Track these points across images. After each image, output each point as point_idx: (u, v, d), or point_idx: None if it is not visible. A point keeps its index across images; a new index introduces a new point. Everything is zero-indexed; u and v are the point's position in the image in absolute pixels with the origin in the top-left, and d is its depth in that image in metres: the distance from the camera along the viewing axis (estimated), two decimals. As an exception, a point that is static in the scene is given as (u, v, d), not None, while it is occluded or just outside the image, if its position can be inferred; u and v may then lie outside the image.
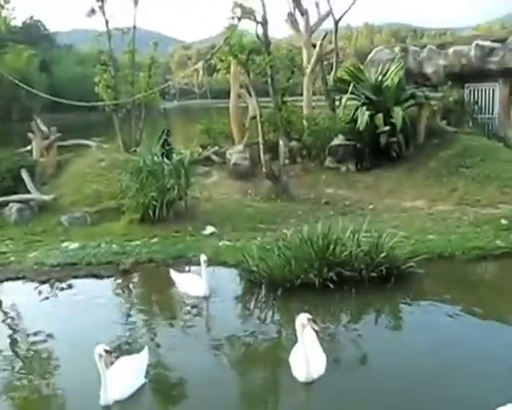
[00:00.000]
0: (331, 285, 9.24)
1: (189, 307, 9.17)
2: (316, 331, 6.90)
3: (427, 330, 8.11)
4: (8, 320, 9.17)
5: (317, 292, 9.22)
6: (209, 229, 12.85)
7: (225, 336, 8.00)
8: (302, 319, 6.78)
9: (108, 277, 10.73)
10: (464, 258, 10.89)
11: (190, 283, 9.70)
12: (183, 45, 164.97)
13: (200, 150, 18.96)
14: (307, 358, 6.65)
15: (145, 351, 7.00)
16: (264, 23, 15.19)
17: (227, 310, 9.10)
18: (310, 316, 6.81)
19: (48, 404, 6.65)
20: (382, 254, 9.74)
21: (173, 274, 10.07)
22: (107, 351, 6.25)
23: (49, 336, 8.23)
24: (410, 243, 10.90)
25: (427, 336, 7.87)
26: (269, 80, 15.53)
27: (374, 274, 9.58)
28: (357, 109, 18.14)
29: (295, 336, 6.90)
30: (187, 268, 10.76)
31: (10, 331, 8.69)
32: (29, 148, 18.19)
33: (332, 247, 9.75)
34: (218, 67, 19.18)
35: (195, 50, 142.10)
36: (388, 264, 9.69)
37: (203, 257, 9.57)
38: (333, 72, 22.01)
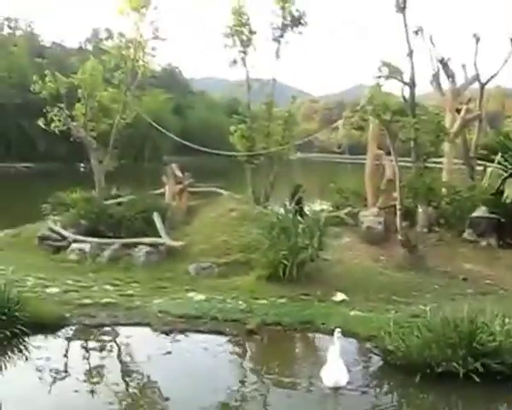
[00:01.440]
0: (476, 378, 8.29)
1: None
2: None
3: None
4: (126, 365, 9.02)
5: (460, 384, 8.28)
6: (339, 296, 12.16)
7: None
8: None
9: (233, 335, 10.26)
10: None
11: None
12: (311, 99, 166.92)
13: (331, 209, 18.43)
14: None
15: None
16: (412, 85, 14.57)
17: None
18: None
19: None
20: (538, 350, 8.69)
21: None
22: None
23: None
24: None
25: None
26: (411, 143, 14.81)
27: (526, 370, 8.55)
28: (503, 180, 17.03)
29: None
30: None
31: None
32: (162, 190, 18.41)
33: (479, 334, 8.83)
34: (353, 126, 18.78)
35: (323, 104, 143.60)
36: (543, 361, 8.63)
37: (337, 333, 8.55)
38: (475, 137, 21.02)
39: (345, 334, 10.01)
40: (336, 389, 8.08)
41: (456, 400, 8.15)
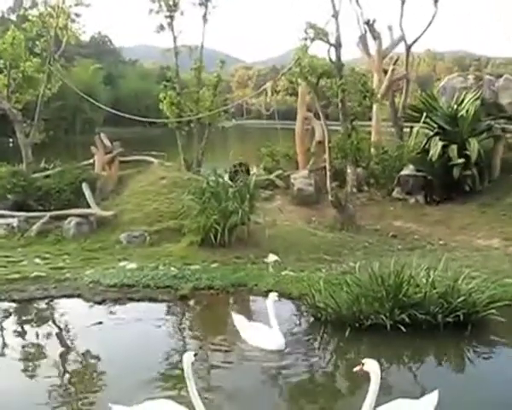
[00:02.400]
0: (403, 329, 8.55)
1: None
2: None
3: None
4: (59, 338, 8.92)
5: (388, 335, 8.53)
6: (271, 257, 12.25)
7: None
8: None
9: (166, 301, 10.26)
10: (547, 306, 10.01)
11: (261, 336, 8.45)
12: (245, 65, 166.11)
13: (263, 173, 18.51)
14: None
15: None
16: (338, 46, 14.63)
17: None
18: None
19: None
20: (460, 299, 9.01)
21: (238, 322, 8.86)
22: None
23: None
24: (488, 286, 10.07)
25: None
26: (339, 104, 14.94)
27: (450, 319, 8.84)
28: (429, 139, 17.43)
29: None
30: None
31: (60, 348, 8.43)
32: (91, 161, 18.08)
33: (405, 286, 9.08)
34: (278, 89, 18.80)
35: (256, 71, 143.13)
36: (466, 309, 8.93)
37: (272, 297, 8.53)
38: (402, 98, 21.39)
39: (277, 294, 10.35)
40: (276, 351, 8.18)
41: (385, 350, 8.35)
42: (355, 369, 6.14)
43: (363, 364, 6.03)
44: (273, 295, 8.56)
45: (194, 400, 5.75)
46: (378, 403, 5.89)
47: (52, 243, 13.79)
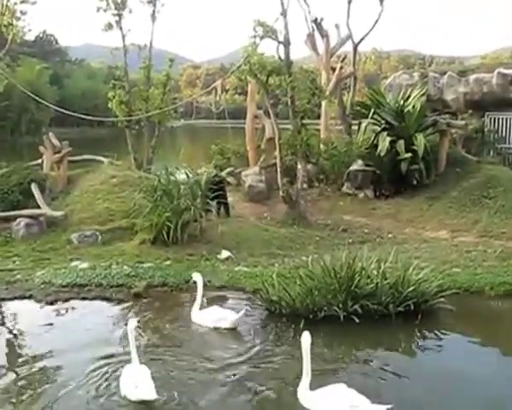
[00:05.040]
0: (356, 319, 8.74)
1: (199, 337, 8.67)
2: None
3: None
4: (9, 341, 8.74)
5: (342, 326, 8.72)
6: (224, 253, 12.33)
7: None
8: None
9: (119, 300, 10.19)
10: (493, 294, 10.35)
11: (218, 316, 9.00)
12: (193, 64, 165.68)
13: (214, 171, 18.52)
14: None
15: None
16: (287, 44, 14.79)
17: (245, 342, 8.50)
18: None
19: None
20: (410, 288, 9.26)
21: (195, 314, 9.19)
22: None
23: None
24: (436, 276, 10.36)
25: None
26: (289, 102, 15.10)
27: (401, 309, 9.08)
28: (377, 135, 17.76)
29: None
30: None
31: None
32: (39, 161, 17.77)
33: (357, 278, 9.28)
34: (227, 88, 18.88)
35: (204, 70, 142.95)
36: (416, 298, 9.20)
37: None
38: (350, 96, 21.71)
39: (231, 289, 10.50)
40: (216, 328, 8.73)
41: (338, 340, 8.52)
42: None
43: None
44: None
45: (133, 353, 6.93)
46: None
47: (1, 244, 13.51)
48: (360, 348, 8.38)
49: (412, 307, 9.08)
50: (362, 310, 8.91)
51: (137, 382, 6.54)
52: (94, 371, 7.31)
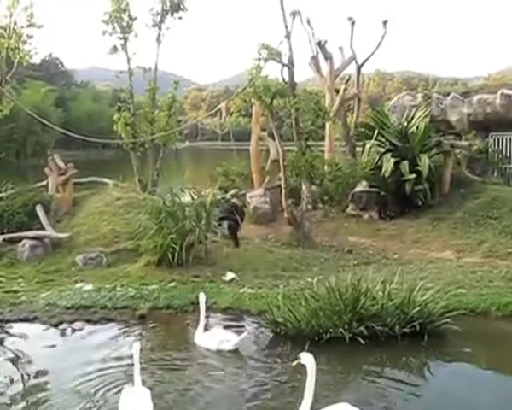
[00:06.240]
0: (362, 341, 8.70)
1: (206, 361, 8.55)
2: None
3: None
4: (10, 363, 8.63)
5: (347, 347, 8.67)
6: (229, 275, 12.34)
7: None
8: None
9: (124, 322, 10.17)
10: (500, 314, 10.30)
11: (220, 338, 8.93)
12: (198, 87, 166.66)
13: (219, 193, 18.57)
14: None
15: None
16: (291, 66, 14.90)
17: (251, 367, 8.45)
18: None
19: None
20: (416, 309, 9.22)
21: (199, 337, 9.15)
22: None
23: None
24: (442, 296, 10.33)
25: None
26: (293, 123, 15.18)
27: (406, 330, 9.04)
28: (381, 156, 17.79)
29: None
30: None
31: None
32: (44, 183, 17.83)
33: (362, 299, 9.25)
34: (231, 110, 19.00)
35: (209, 92, 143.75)
36: (422, 319, 9.16)
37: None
38: (354, 117, 21.79)
39: (237, 311, 10.46)
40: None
41: (344, 362, 8.46)
42: (293, 364, 6.63)
43: (299, 358, 6.51)
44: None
45: (136, 375, 6.92)
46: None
47: (6, 266, 13.57)
48: (364, 370, 8.33)
49: (418, 328, 9.03)
50: (367, 331, 8.86)
51: (137, 404, 6.53)
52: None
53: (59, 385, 7.63)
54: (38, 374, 8.03)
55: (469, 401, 7.28)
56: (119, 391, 7.12)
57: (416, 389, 7.64)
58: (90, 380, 7.68)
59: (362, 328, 8.87)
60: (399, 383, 7.78)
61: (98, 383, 7.61)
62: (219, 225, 13.97)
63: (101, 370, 8.06)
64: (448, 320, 9.30)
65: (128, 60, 19.72)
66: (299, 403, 6.39)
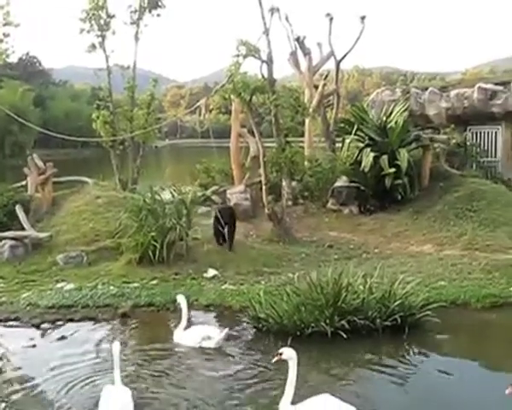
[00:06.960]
0: (343, 335, 8.75)
1: (187, 359, 8.58)
2: None
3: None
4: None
5: (329, 341, 8.75)
6: (211, 272, 12.36)
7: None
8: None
9: (106, 320, 10.18)
10: (479, 306, 10.49)
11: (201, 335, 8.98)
12: (177, 85, 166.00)
13: (200, 190, 18.55)
14: None
15: None
16: (270, 62, 14.90)
17: (233, 363, 8.49)
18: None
19: None
20: (397, 302, 9.31)
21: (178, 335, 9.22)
22: None
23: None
24: (423, 289, 10.46)
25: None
26: (272, 120, 15.19)
27: (388, 323, 9.14)
28: (361, 151, 17.88)
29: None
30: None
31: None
32: (24, 183, 17.68)
33: (344, 294, 9.31)
34: (211, 107, 18.96)
35: (188, 89, 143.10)
36: (402, 312, 9.26)
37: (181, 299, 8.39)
38: (333, 113, 21.84)
39: (219, 308, 10.54)
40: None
41: (327, 356, 8.53)
42: (273, 360, 6.70)
43: (280, 353, 6.55)
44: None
45: (116, 374, 6.93)
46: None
47: (-15, 267, 13.44)
48: (346, 364, 8.39)
49: (399, 321, 9.13)
50: (349, 325, 8.94)
51: (117, 403, 6.54)
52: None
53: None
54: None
55: (449, 391, 7.40)
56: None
57: (399, 380, 7.75)
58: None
59: (343, 322, 8.95)
60: (382, 374, 7.90)
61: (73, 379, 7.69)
62: (222, 228, 13.83)
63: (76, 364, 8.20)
64: (428, 313, 9.45)
65: (106, 58, 19.58)
66: (281, 397, 6.47)
